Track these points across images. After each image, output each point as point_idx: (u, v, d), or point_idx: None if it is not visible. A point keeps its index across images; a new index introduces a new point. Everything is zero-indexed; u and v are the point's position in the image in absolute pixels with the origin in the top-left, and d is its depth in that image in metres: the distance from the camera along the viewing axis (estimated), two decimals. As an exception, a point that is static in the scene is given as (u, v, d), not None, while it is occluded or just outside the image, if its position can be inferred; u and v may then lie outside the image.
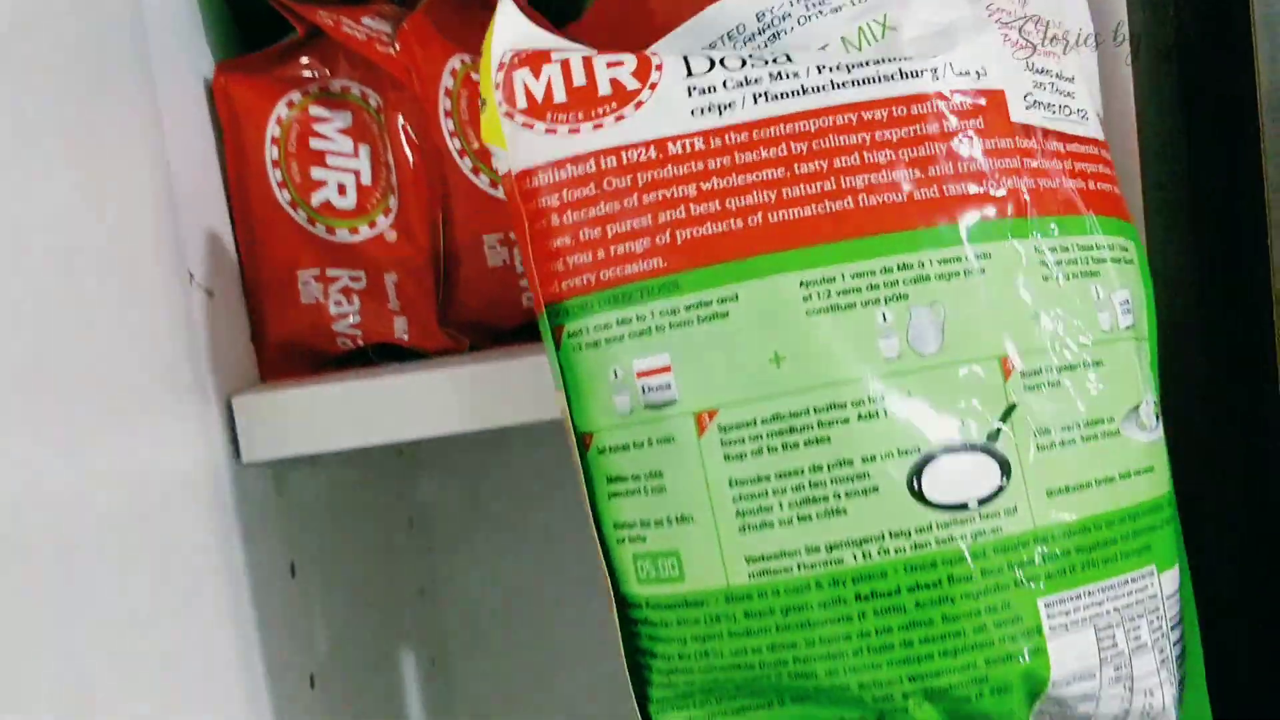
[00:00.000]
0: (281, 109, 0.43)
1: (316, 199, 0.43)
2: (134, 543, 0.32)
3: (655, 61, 0.31)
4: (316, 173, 0.43)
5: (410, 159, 0.43)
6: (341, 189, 0.43)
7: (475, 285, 0.44)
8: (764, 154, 0.30)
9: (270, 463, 0.41)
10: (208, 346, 0.39)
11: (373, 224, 0.43)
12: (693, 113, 0.30)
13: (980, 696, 0.28)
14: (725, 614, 0.29)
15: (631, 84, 0.30)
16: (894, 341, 0.29)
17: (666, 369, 0.29)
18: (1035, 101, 0.32)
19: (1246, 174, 0.36)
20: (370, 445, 0.39)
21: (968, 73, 0.31)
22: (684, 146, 0.30)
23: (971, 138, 0.30)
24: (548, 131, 0.30)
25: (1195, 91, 0.38)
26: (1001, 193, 0.30)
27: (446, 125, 0.43)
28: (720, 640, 0.29)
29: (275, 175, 0.43)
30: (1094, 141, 0.33)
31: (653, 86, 0.30)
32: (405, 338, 0.44)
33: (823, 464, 0.28)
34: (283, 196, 0.43)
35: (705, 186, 0.29)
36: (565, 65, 0.31)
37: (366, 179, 0.43)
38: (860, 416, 0.28)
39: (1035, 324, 0.30)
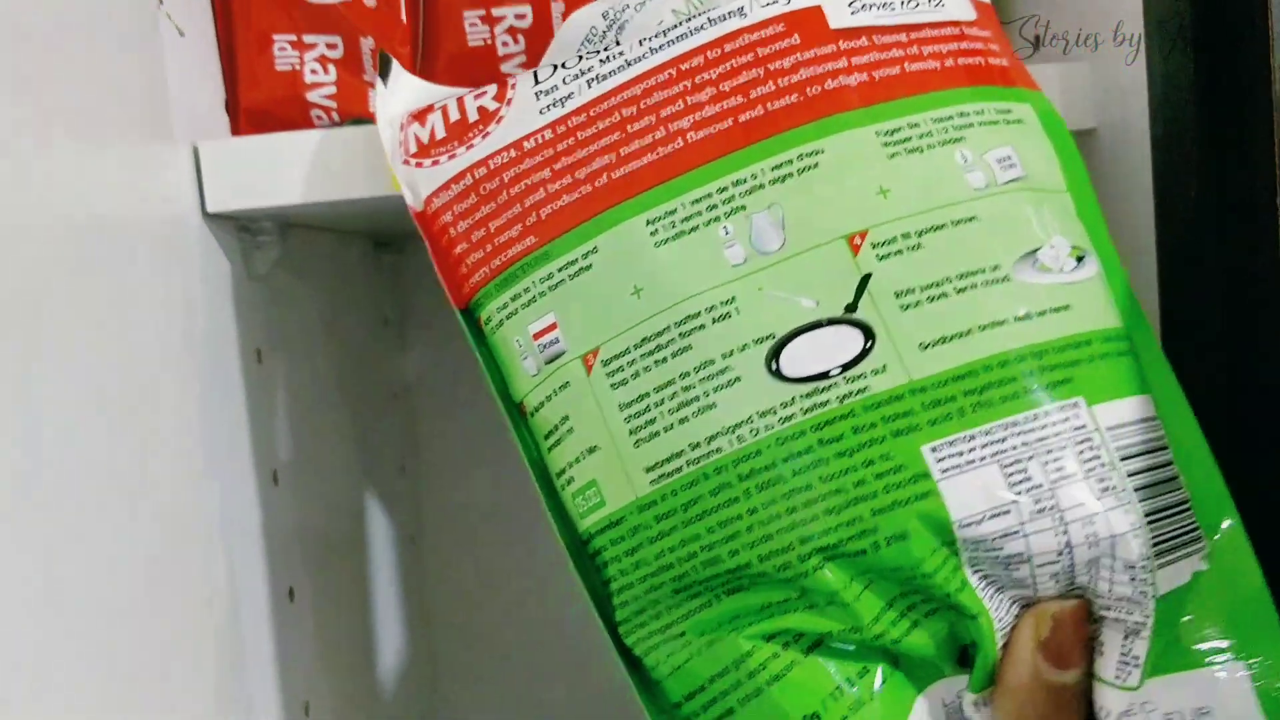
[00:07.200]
0: None
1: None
2: (89, 290, 0.31)
3: (511, 82, 0.36)
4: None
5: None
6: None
7: (454, 64, 0.44)
8: (600, 125, 0.34)
9: (238, 216, 0.41)
10: (178, 88, 0.39)
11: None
12: (540, 111, 0.35)
13: (877, 548, 0.29)
14: (641, 524, 0.31)
15: (492, 105, 0.36)
16: (738, 249, 0.32)
17: (554, 326, 0.33)
18: (864, 5, 0.34)
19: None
20: (343, 199, 0.40)
21: (775, 1, 0.34)
22: (536, 140, 0.34)
23: (787, 56, 0.33)
24: (433, 164, 0.36)
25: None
26: (825, 95, 0.33)
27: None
28: (643, 549, 0.32)
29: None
30: (952, 24, 0.35)
31: (509, 102, 0.36)
32: None
33: (689, 369, 0.31)
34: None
35: (557, 167, 0.34)
36: (444, 109, 0.37)
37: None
38: (715, 320, 0.31)
39: (882, 199, 0.31)
